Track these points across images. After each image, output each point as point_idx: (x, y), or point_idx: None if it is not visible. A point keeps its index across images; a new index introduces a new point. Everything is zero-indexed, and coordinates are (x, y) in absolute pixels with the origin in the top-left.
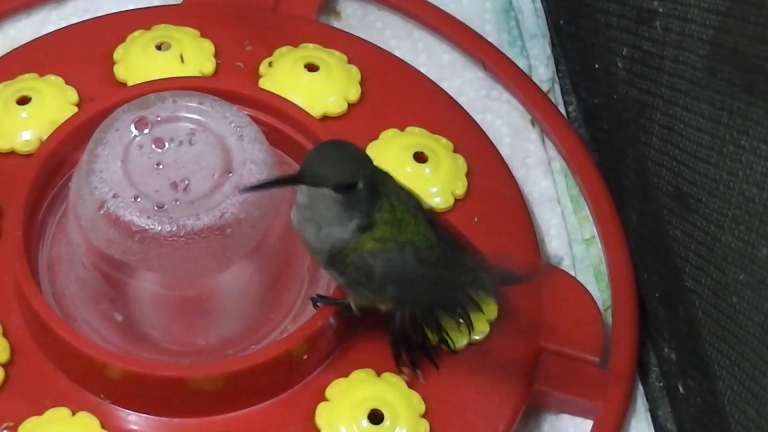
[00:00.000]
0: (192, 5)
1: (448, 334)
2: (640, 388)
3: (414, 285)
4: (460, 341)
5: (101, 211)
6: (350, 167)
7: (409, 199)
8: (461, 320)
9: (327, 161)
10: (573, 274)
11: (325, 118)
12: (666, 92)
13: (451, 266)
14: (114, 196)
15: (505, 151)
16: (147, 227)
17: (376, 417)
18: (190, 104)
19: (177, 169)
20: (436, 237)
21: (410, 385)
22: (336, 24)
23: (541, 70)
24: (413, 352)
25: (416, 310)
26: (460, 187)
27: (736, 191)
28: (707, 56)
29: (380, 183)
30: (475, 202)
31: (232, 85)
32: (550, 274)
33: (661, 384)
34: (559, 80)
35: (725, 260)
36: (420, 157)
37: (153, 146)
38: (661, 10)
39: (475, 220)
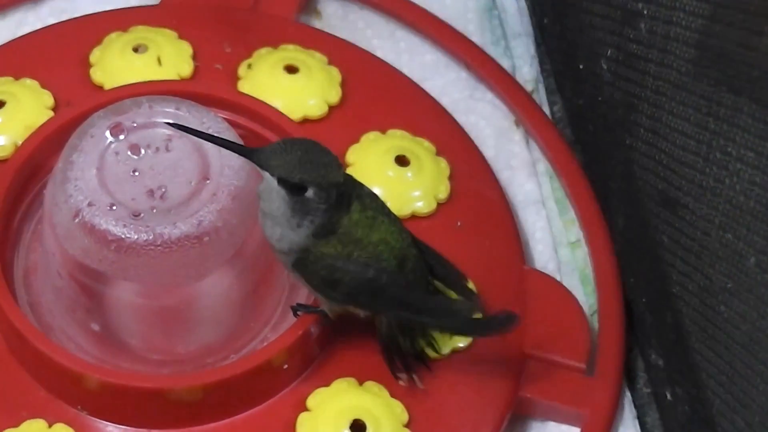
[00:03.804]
0: (169, 6)
1: (433, 338)
2: (628, 394)
3: (386, 294)
4: (445, 347)
5: (76, 220)
6: (305, 168)
7: (383, 204)
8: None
9: (286, 152)
10: (558, 278)
11: (305, 121)
12: (651, 95)
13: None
14: (89, 205)
15: (488, 153)
16: (123, 236)
17: (358, 427)
18: (167, 109)
19: (153, 176)
20: (412, 239)
21: (392, 394)
22: (317, 24)
23: (525, 69)
24: (406, 357)
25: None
26: (443, 191)
27: (723, 198)
28: (693, 60)
29: (352, 186)
30: (458, 205)
31: (210, 88)
32: (536, 278)
33: (649, 390)
34: (543, 80)
35: (712, 268)
36: (402, 161)
37: (129, 153)
38: (645, 12)
39: (458, 224)
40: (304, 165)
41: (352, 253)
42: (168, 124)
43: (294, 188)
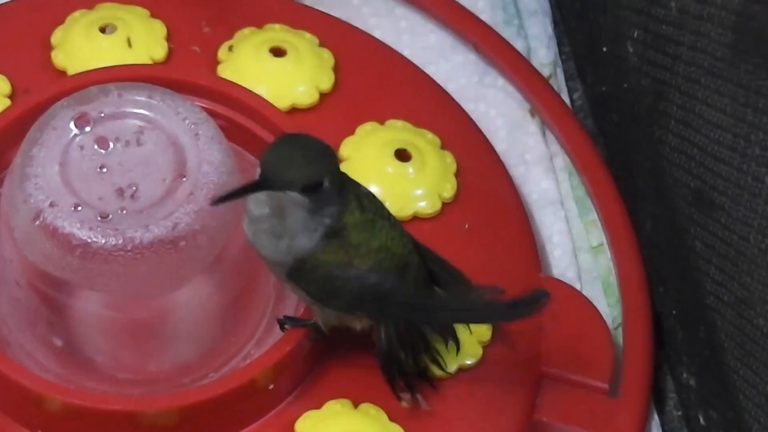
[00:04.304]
0: None
1: (438, 353)
2: (656, 417)
3: (390, 301)
4: (452, 364)
5: (37, 222)
6: (316, 163)
7: (381, 205)
8: (449, 339)
9: (289, 160)
10: (578, 287)
11: (294, 110)
12: (683, 83)
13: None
14: (51, 205)
15: (500, 147)
16: (89, 240)
17: None
18: (138, 98)
19: (123, 173)
20: (413, 245)
21: (392, 417)
22: (306, 1)
23: (542, 52)
24: (408, 374)
25: (400, 325)
26: (449, 189)
27: (762, 199)
28: (729, 44)
29: (346, 182)
30: (465, 205)
31: (187, 74)
32: (553, 287)
33: (680, 413)
34: (562, 64)
35: (751, 277)
36: (403, 155)
37: (96, 147)
38: None
39: (466, 226)
40: (314, 161)
41: (352, 260)
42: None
43: (316, 188)
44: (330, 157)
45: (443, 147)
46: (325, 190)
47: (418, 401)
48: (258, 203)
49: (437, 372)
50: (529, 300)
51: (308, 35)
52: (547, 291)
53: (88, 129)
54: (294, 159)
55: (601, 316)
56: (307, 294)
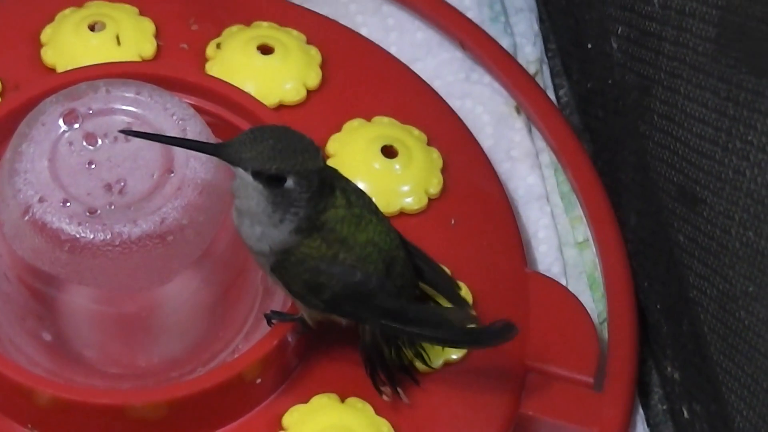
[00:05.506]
0: None
1: (423, 348)
2: (641, 411)
3: (373, 301)
4: (436, 359)
5: (26, 217)
6: (280, 156)
7: (370, 200)
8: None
9: (256, 142)
10: (564, 282)
11: (281, 107)
12: (666, 78)
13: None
14: (40, 200)
15: (486, 143)
16: (78, 235)
17: None
18: (127, 94)
19: (111, 168)
20: (400, 240)
21: (378, 411)
22: None
23: (528, 49)
24: (390, 368)
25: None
26: (435, 185)
27: (743, 192)
28: (712, 39)
29: (335, 179)
30: (452, 201)
31: (175, 71)
32: (538, 282)
33: (664, 407)
34: (548, 61)
35: (732, 269)
36: (389, 151)
37: (84, 143)
38: None
39: (452, 222)
40: (279, 153)
41: (338, 254)
42: (122, 132)
43: (272, 180)
44: (305, 156)
45: (430, 143)
46: (290, 190)
47: (400, 395)
48: (234, 186)
49: (422, 367)
50: (499, 330)
51: (296, 33)
52: (515, 325)
53: (76, 125)
54: (262, 143)
55: (586, 310)
56: (289, 291)
